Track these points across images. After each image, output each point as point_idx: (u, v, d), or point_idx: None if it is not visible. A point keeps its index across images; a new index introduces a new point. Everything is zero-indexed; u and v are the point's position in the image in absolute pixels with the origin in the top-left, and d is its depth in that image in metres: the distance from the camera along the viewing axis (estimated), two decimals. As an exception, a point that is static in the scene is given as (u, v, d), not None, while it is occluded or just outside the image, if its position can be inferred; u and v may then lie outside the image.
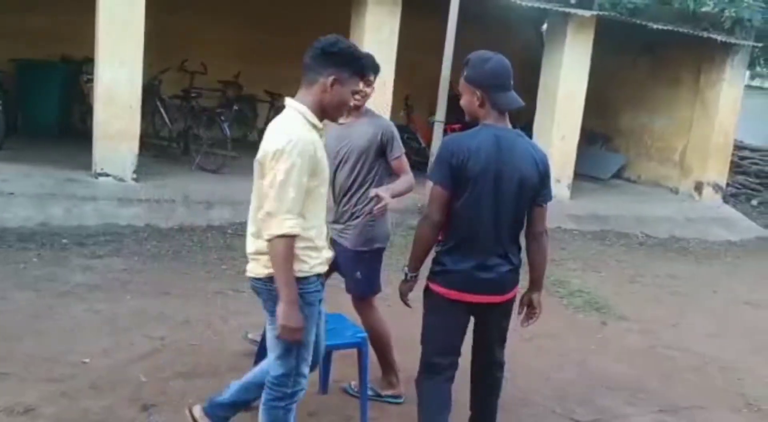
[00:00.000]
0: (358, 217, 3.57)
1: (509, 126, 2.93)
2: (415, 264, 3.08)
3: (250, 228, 2.71)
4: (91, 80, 8.31)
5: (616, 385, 4.41)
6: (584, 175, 11.02)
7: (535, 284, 3.16)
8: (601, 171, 11.78)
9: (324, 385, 3.79)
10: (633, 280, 6.89)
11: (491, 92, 2.85)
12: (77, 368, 3.79)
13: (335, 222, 3.61)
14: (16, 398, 3.40)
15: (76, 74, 9.38)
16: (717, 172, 10.74)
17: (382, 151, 3.53)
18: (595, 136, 12.09)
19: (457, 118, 10.07)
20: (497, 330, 3.14)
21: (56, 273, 5.24)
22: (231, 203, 7.02)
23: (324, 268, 2.77)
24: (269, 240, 2.53)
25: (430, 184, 2.96)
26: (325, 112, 2.71)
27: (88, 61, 8.59)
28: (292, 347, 2.67)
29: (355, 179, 3.55)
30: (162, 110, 9.06)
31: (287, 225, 2.51)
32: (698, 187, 10.77)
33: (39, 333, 4.18)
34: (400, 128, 10.75)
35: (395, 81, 8.47)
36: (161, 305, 4.85)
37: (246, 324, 4.38)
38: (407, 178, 3.57)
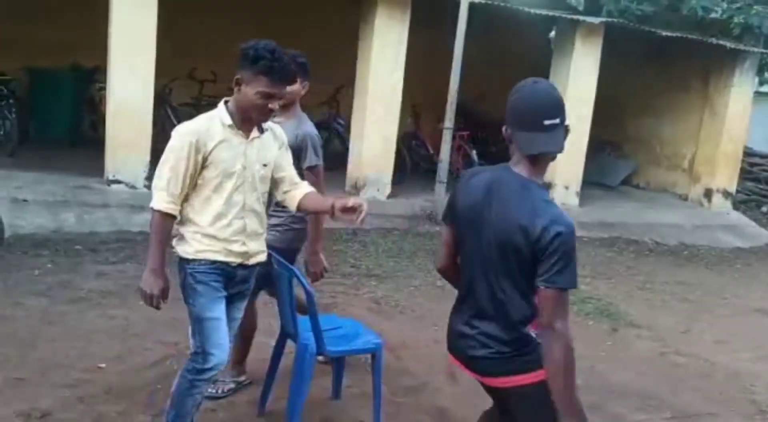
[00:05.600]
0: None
1: (528, 173, 2.31)
2: None
3: None
4: (103, 88, 8.40)
5: (627, 392, 4.41)
6: (593, 182, 11.02)
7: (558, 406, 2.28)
8: (610, 178, 11.78)
9: (337, 390, 3.81)
10: (643, 287, 6.88)
11: (514, 129, 2.30)
12: (92, 373, 3.82)
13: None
14: (32, 403, 3.43)
15: (87, 82, 9.47)
16: (726, 178, 10.72)
17: (297, 157, 3.35)
18: (604, 142, 12.09)
19: (465, 125, 10.15)
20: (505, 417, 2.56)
21: (70, 279, 5.29)
22: (241, 210, 7.06)
23: (229, 259, 2.90)
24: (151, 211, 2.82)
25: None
26: (241, 111, 2.82)
27: (99, 70, 8.69)
28: (195, 326, 2.90)
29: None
30: (172, 118, 9.12)
31: (158, 200, 2.79)
32: (708, 194, 10.75)
33: (53, 339, 4.22)
34: (408, 135, 10.87)
35: (403, 88, 8.52)
36: (174, 311, 4.79)
37: (257, 331, 4.40)
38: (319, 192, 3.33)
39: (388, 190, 8.76)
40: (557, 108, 2.29)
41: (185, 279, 2.89)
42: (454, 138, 8.77)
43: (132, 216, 6.79)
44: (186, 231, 2.87)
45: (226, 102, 2.87)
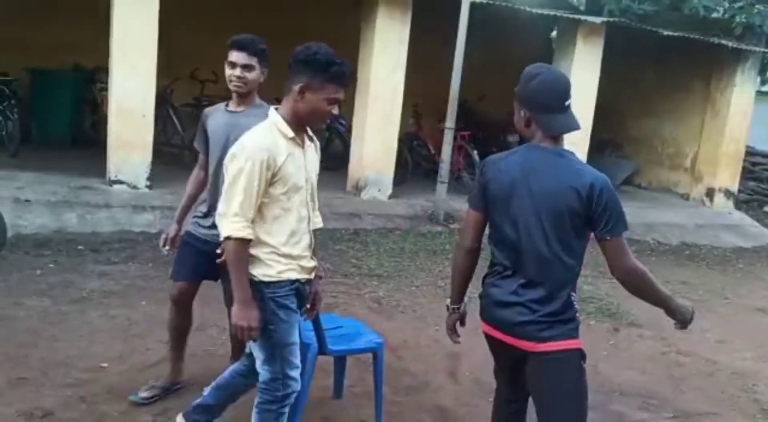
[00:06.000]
0: None
1: (555, 147, 2.54)
2: (453, 295, 2.79)
3: None
4: (104, 89, 8.41)
5: (629, 391, 4.41)
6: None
7: (661, 308, 2.70)
8: (612, 178, 11.69)
9: (338, 390, 3.81)
10: (644, 287, 6.86)
11: (537, 113, 2.51)
12: (94, 373, 3.83)
13: (207, 214, 3.41)
14: (35, 403, 3.44)
15: (88, 83, 9.48)
16: (728, 178, 10.72)
17: None
18: (605, 142, 12.08)
19: (466, 125, 10.14)
20: (534, 388, 2.65)
21: (72, 279, 5.30)
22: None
23: (302, 276, 2.78)
24: (226, 241, 2.60)
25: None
26: (300, 119, 2.69)
27: (100, 70, 8.70)
28: (275, 351, 2.73)
29: None
30: (174, 118, 9.13)
31: (234, 227, 2.57)
32: (709, 194, 10.75)
33: (55, 339, 4.23)
34: (409, 135, 10.87)
35: (404, 88, 8.52)
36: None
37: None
38: None
39: (389, 190, 8.76)
40: (570, 88, 2.56)
41: (266, 304, 2.68)
42: (455, 138, 8.77)
43: (134, 217, 6.80)
44: (260, 252, 2.66)
45: (274, 112, 2.72)
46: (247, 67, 3.29)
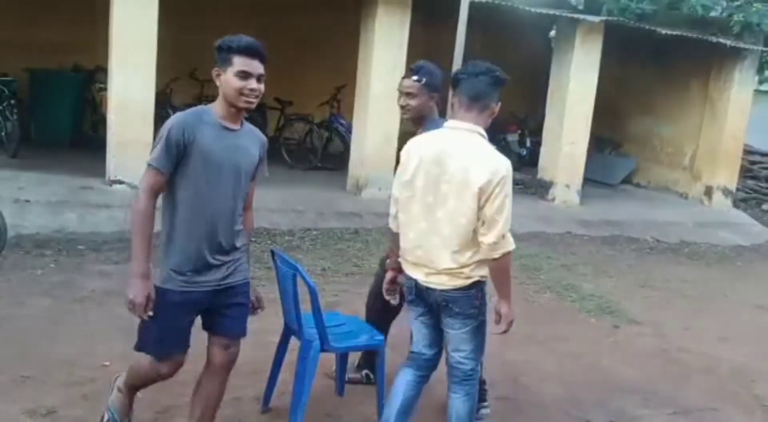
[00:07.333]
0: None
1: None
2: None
3: (451, 247, 2.86)
4: (103, 89, 8.42)
5: (629, 388, 4.42)
6: (593, 180, 11.04)
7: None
8: (611, 176, 11.79)
9: (340, 387, 3.83)
10: (644, 284, 6.90)
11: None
12: (96, 371, 3.84)
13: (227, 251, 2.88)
14: (38, 401, 3.45)
15: (87, 83, 9.50)
16: (727, 176, 10.74)
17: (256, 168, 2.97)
18: (604, 141, 12.11)
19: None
20: None
21: (73, 279, 5.31)
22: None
23: None
24: (500, 258, 2.82)
25: None
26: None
27: (100, 70, 8.71)
28: (483, 343, 3.05)
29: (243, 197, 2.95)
30: (174, 118, 9.13)
31: (512, 241, 2.85)
32: (708, 192, 10.77)
33: (57, 338, 4.24)
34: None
35: (405, 88, 8.53)
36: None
37: (261, 328, 4.41)
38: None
39: (389, 189, 8.77)
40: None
41: (484, 299, 2.97)
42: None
43: (134, 217, 6.80)
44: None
45: (478, 128, 2.99)
46: (262, 78, 2.79)
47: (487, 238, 2.78)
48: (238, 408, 3.60)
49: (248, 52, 2.73)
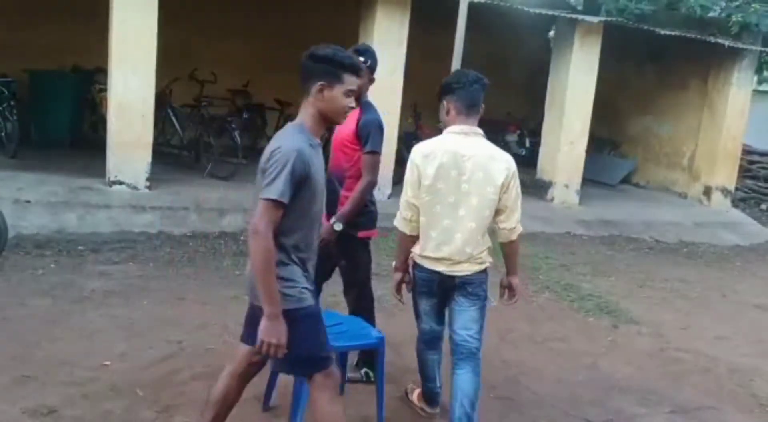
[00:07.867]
0: None
1: None
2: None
3: (476, 238, 3.26)
4: (103, 90, 8.43)
5: (628, 387, 4.44)
6: (592, 180, 11.05)
7: None
8: (610, 176, 11.80)
9: (340, 386, 3.83)
10: (643, 284, 6.91)
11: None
12: (97, 371, 3.85)
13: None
14: (39, 400, 3.47)
15: (87, 84, 9.50)
16: (725, 176, 10.76)
17: None
18: (603, 141, 12.12)
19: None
20: None
21: (73, 279, 5.32)
22: (243, 210, 7.09)
23: None
24: (516, 239, 3.34)
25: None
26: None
27: (100, 71, 8.72)
28: (485, 323, 3.39)
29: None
30: (173, 119, 9.15)
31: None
32: (707, 192, 10.79)
33: (58, 338, 4.26)
34: (408, 135, 10.91)
35: (403, 87, 8.54)
36: (177, 310, 4.92)
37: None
38: None
39: (388, 189, 8.78)
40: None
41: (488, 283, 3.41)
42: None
43: (133, 217, 6.82)
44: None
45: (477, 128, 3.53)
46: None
47: (508, 224, 3.27)
48: (238, 408, 3.59)
49: (354, 70, 2.72)
